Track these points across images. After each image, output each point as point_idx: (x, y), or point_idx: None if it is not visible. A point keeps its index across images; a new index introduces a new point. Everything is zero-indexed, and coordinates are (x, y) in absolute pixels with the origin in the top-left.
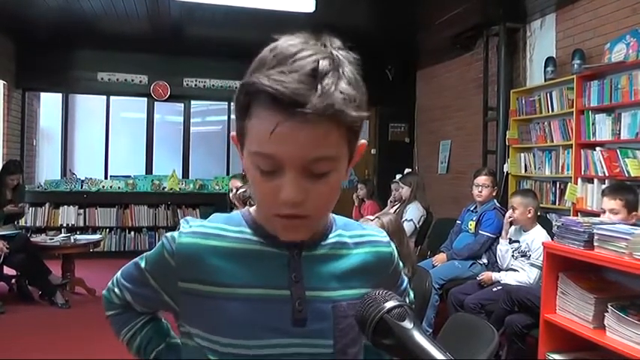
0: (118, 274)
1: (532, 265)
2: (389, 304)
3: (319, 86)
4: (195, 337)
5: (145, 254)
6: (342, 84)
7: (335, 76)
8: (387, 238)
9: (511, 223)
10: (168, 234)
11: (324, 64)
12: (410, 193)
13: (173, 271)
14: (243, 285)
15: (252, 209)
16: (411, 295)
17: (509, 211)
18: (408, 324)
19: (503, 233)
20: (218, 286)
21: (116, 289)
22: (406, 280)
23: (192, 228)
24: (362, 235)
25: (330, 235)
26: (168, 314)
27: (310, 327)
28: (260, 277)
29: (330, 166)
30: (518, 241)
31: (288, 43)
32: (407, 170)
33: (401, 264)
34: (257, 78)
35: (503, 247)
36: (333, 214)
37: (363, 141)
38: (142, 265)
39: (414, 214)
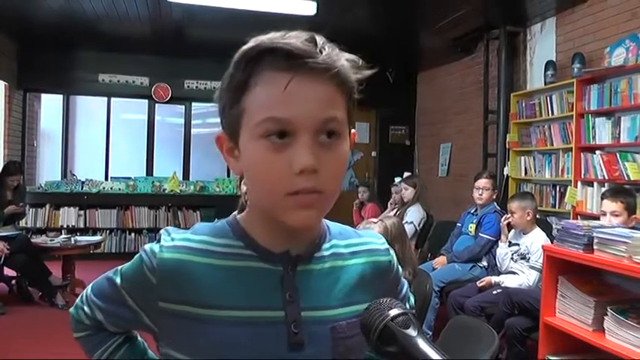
0: (88, 289)
1: (531, 267)
2: (393, 312)
3: (322, 49)
4: None
5: (119, 268)
6: (340, 52)
7: (331, 45)
8: (386, 245)
9: (510, 227)
10: (147, 247)
11: (318, 37)
12: (414, 194)
13: (153, 289)
14: (232, 307)
15: (240, 217)
16: (412, 299)
17: (505, 215)
18: (412, 332)
19: (502, 237)
20: (204, 307)
21: (85, 308)
22: (406, 284)
23: (174, 241)
24: (358, 243)
25: (325, 246)
26: (145, 333)
27: (307, 351)
28: (251, 297)
29: (340, 129)
30: (517, 244)
31: (269, 34)
32: (407, 173)
33: (400, 269)
34: (257, 44)
35: (502, 251)
36: (326, 221)
37: (354, 130)
38: (118, 281)
39: (414, 216)
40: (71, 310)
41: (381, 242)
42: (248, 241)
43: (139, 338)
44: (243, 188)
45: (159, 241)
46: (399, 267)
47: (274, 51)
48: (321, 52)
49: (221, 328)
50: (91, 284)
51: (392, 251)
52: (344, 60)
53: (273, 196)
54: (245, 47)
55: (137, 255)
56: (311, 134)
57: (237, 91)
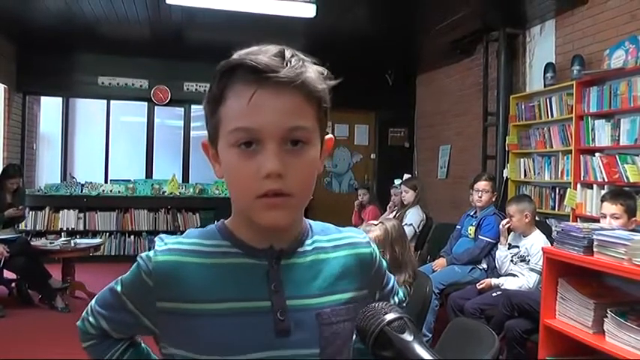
0: (92, 302)
1: (531, 269)
2: (389, 317)
3: (288, 63)
4: (178, 358)
5: (119, 278)
6: (307, 64)
7: (299, 59)
8: (367, 239)
9: (509, 230)
10: (143, 254)
11: (287, 51)
12: (415, 197)
13: (151, 291)
14: (223, 299)
15: (227, 221)
16: (400, 293)
17: (505, 220)
18: (408, 336)
19: (502, 239)
20: (198, 302)
21: (90, 318)
22: (393, 278)
23: (167, 245)
24: (340, 238)
25: (307, 242)
26: (148, 338)
27: (294, 337)
28: (239, 289)
29: (306, 136)
30: (517, 246)
31: (250, 48)
32: (407, 175)
33: (384, 262)
34: (230, 59)
35: (502, 254)
36: (309, 220)
37: (330, 135)
38: (118, 289)
39: (414, 218)
40: (78, 323)
41: (362, 236)
42: (234, 240)
43: (143, 344)
44: None
45: (154, 247)
46: (383, 260)
47: (242, 66)
48: (287, 65)
49: (214, 320)
50: (95, 297)
51: (374, 244)
52: (310, 72)
53: (245, 198)
54: (223, 61)
55: (135, 263)
56: (276, 142)
57: (215, 103)
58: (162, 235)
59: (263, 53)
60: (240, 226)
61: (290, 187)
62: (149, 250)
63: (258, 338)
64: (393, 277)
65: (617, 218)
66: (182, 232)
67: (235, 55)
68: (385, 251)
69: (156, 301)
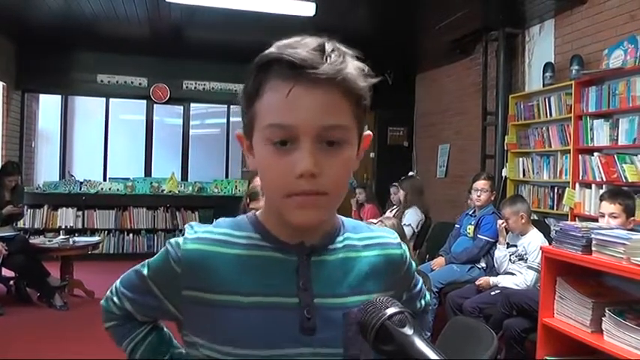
0: (117, 282)
1: (529, 267)
2: (390, 311)
3: (328, 58)
4: (201, 348)
5: (146, 261)
6: (348, 59)
7: (340, 54)
8: (398, 240)
9: (506, 230)
10: (172, 240)
11: (328, 44)
12: (405, 197)
13: (178, 278)
14: (250, 293)
15: (259, 212)
16: (427, 297)
17: (501, 221)
18: (408, 330)
19: (501, 239)
20: (225, 294)
21: (115, 298)
22: (421, 281)
23: (197, 234)
24: (371, 237)
25: (339, 239)
26: (170, 323)
27: (320, 335)
28: (268, 284)
29: (343, 135)
30: (515, 245)
31: (292, 38)
32: (411, 173)
33: (414, 265)
34: (268, 53)
35: (500, 253)
36: (342, 217)
37: (368, 132)
38: (145, 272)
39: (412, 218)
40: (102, 302)
41: (393, 237)
42: (265, 234)
43: (165, 329)
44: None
45: (183, 234)
46: (412, 262)
47: (280, 61)
48: (326, 61)
49: (240, 313)
50: (120, 278)
51: (404, 246)
52: (351, 68)
53: (277, 196)
54: (261, 54)
55: (163, 248)
56: (312, 140)
57: (251, 97)
58: (192, 223)
59: (302, 47)
60: (271, 220)
61: (324, 186)
62: (147, 249)
63: (283, 334)
64: (421, 279)
65: (615, 217)
66: (181, 231)
67: (273, 48)
68: None
69: (182, 289)
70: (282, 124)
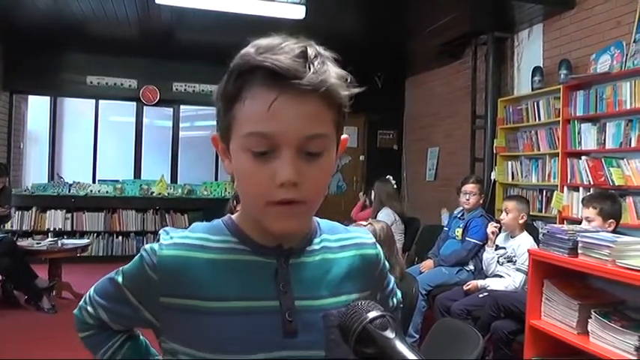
0: (91, 291)
1: (518, 269)
2: (371, 314)
3: (311, 65)
4: (180, 355)
5: (120, 269)
6: (330, 66)
7: (323, 60)
8: (373, 240)
9: (500, 230)
10: (147, 246)
11: (310, 50)
12: (375, 197)
13: (155, 285)
14: (229, 298)
15: (235, 216)
16: (399, 294)
17: (493, 224)
18: (389, 333)
19: (489, 242)
20: (203, 300)
21: (89, 308)
22: (393, 279)
23: (173, 239)
24: (347, 238)
25: (316, 240)
26: (147, 330)
27: (301, 338)
28: (247, 288)
29: (324, 145)
30: (504, 248)
31: (268, 39)
32: (388, 176)
33: (387, 264)
34: (250, 58)
35: (489, 256)
36: (317, 218)
37: (345, 135)
38: (120, 280)
39: (383, 220)
40: (75, 311)
41: (368, 237)
42: (242, 237)
43: (142, 337)
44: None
45: (158, 240)
46: (386, 262)
47: (264, 68)
48: (309, 68)
49: (220, 319)
50: (93, 286)
51: (379, 246)
52: (333, 77)
53: (257, 204)
54: (239, 58)
55: (138, 255)
56: (294, 149)
57: (230, 101)
58: (167, 228)
59: (285, 53)
60: (248, 223)
61: (304, 195)
62: (136, 251)
63: (265, 338)
64: (392, 278)
65: (590, 221)
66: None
67: (252, 49)
68: None
69: (159, 296)
70: (264, 133)
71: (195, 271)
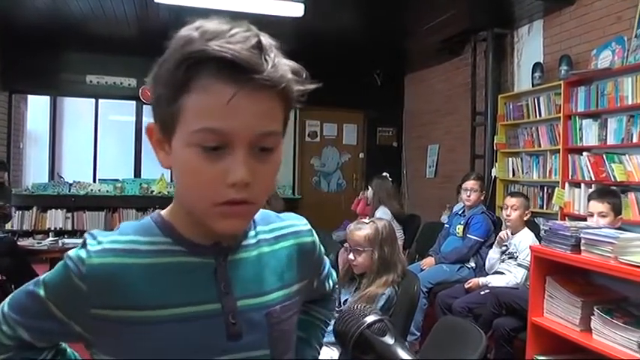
0: (4, 308)
1: (519, 265)
2: (368, 319)
3: (268, 58)
4: None
5: (40, 279)
6: (283, 59)
7: (276, 51)
8: (308, 226)
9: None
10: (72, 253)
11: (264, 39)
12: (373, 196)
13: (85, 297)
14: (167, 305)
15: (165, 212)
16: (334, 275)
17: (503, 232)
18: (389, 339)
19: (497, 244)
20: (139, 309)
21: (4, 327)
22: (327, 261)
23: (102, 245)
24: (282, 227)
25: (251, 234)
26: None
27: (245, 339)
28: (185, 292)
29: (276, 142)
30: (506, 245)
31: (212, 22)
32: (384, 174)
33: (322, 248)
34: (201, 45)
35: (495, 255)
36: None
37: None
38: (41, 293)
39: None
40: None
41: (303, 223)
42: (176, 237)
43: (69, 349)
44: None
45: (84, 246)
46: (321, 246)
47: (220, 59)
48: (266, 61)
49: (158, 328)
50: (6, 301)
51: (313, 231)
52: (288, 72)
53: (202, 203)
54: (185, 43)
55: (60, 263)
56: (246, 147)
57: (176, 90)
58: (93, 232)
59: (239, 42)
60: (182, 221)
61: (255, 195)
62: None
63: (208, 344)
64: (327, 260)
65: (604, 216)
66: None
67: (195, 33)
68: (374, 250)
69: (90, 308)
70: (219, 129)
71: (128, 278)
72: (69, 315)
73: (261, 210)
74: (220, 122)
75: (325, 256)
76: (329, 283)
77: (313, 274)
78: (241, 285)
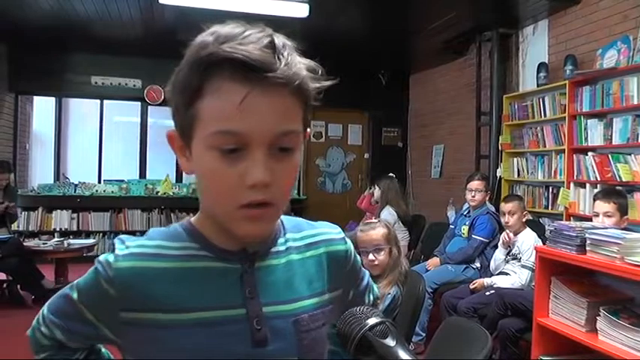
0: (44, 310)
1: (523, 266)
2: (371, 321)
3: (281, 56)
4: None
5: (74, 283)
6: (298, 57)
7: (290, 50)
8: (342, 235)
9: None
10: (102, 258)
11: (277, 39)
12: (381, 195)
13: (113, 300)
14: (193, 308)
15: (193, 219)
16: (375, 290)
17: (505, 234)
18: (390, 341)
19: (502, 243)
20: (164, 312)
21: (43, 328)
22: (367, 274)
23: (129, 249)
24: (314, 234)
25: (280, 240)
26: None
27: (272, 347)
28: (211, 296)
29: (295, 142)
30: (509, 246)
31: (227, 27)
32: (390, 174)
33: (359, 258)
34: (214, 48)
35: (501, 256)
36: (281, 216)
37: (307, 129)
38: (74, 296)
39: (386, 219)
40: (28, 332)
41: (336, 232)
42: (203, 242)
43: (103, 349)
44: None
45: (113, 250)
46: (357, 256)
47: (232, 60)
48: (279, 60)
49: (184, 331)
50: (46, 304)
51: (348, 240)
52: (303, 70)
53: (224, 206)
54: (199, 48)
55: (92, 268)
56: (265, 148)
57: (191, 95)
58: (122, 237)
59: (251, 43)
60: (209, 227)
61: (275, 197)
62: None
63: (233, 350)
64: (367, 273)
65: (609, 216)
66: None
67: (209, 37)
68: (392, 248)
69: (119, 311)
70: (234, 131)
71: (155, 282)
72: (99, 318)
73: (293, 217)
74: (235, 123)
75: (365, 270)
76: (369, 297)
77: (348, 285)
78: (268, 291)
